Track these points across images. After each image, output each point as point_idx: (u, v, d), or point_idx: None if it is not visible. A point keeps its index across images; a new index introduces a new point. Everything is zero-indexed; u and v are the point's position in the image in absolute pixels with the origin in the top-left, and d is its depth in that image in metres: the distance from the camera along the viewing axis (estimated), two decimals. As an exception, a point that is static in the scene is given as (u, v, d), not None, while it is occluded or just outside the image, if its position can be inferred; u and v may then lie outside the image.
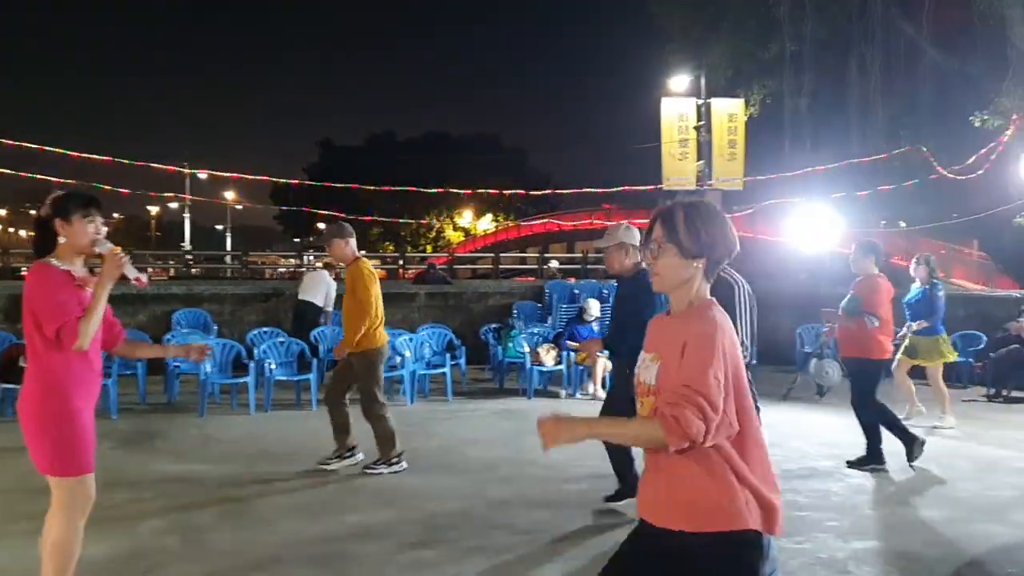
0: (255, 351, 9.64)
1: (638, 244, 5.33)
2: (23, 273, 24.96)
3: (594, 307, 10.92)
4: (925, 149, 16.91)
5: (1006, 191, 15.81)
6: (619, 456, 5.29)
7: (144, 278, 3.77)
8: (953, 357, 8.95)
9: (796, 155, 18.59)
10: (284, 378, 9.61)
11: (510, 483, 6.21)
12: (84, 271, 3.63)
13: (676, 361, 2.17)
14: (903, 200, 19.47)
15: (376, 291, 6.44)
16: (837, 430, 8.40)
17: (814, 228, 13.45)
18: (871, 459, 6.68)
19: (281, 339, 10.05)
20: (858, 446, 6.81)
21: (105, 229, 3.64)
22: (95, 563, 4.48)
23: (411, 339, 10.40)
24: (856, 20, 17.12)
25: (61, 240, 3.50)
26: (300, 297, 11.60)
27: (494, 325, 12.23)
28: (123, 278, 3.58)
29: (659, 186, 19.48)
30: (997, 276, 21.24)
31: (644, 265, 2.33)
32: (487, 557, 4.65)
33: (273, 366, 9.47)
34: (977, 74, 15.62)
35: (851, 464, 6.72)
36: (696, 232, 2.28)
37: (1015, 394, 10.11)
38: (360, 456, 6.59)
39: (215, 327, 11.97)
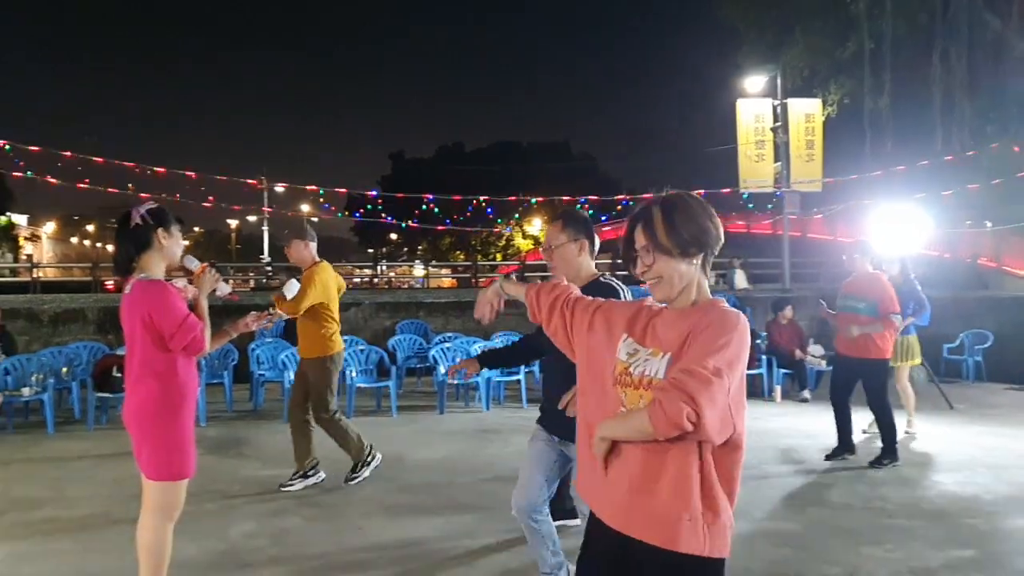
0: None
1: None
2: (108, 285, 25.94)
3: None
4: (1015, 145, 16.31)
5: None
6: None
7: (236, 294, 3.92)
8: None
9: (877, 155, 18.11)
10: (365, 385, 9.78)
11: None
12: (181, 283, 3.79)
13: (687, 352, 2.05)
14: (990, 199, 18.82)
15: (335, 296, 6.35)
16: (926, 436, 8.17)
17: (897, 229, 13.07)
18: (888, 455, 6.88)
19: (361, 347, 10.23)
20: (952, 450, 6.62)
21: (185, 241, 3.78)
22: (189, 564, 4.64)
23: (485, 346, 10.47)
24: (939, 15, 16.60)
25: (155, 250, 3.58)
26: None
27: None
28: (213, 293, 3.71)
29: (736, 188, 19.21)
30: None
31: (639, 274, 2.13)
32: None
33: (354, 373, 9.65)
34: (1068, 67, 15.04)
35: (873, 464, 6.83)
36: (680, 228, 2.13)
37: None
38: (322, 475, 6.39)
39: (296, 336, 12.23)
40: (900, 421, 8.26)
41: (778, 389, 10.68)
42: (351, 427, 6.43)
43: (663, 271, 2.16)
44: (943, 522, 5.33)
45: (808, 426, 8.74)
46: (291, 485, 6.24)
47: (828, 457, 7.04)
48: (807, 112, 18.93)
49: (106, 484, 6.41)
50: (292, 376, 9.23)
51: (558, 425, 3.67)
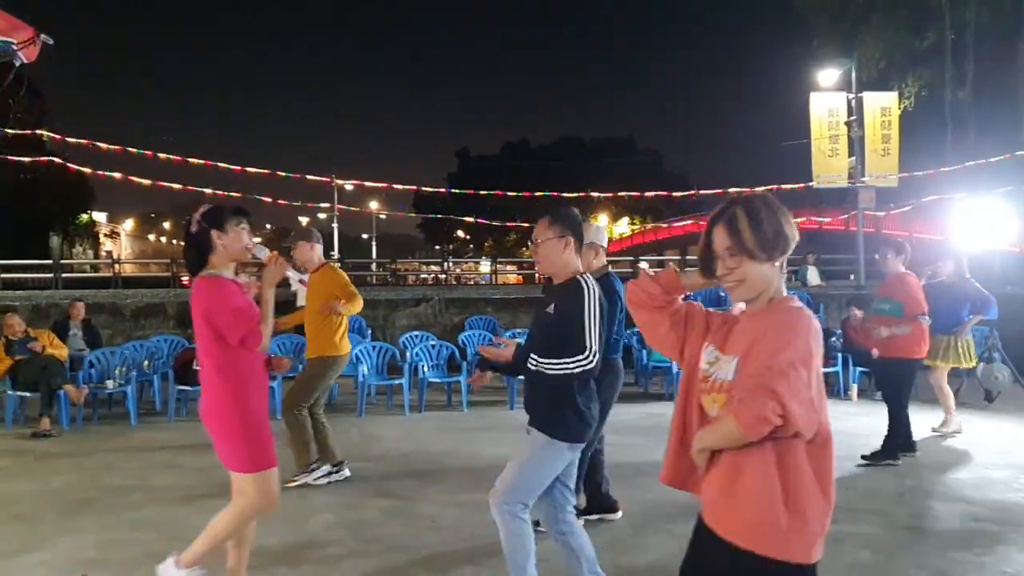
0: (407, 354, 9.96)
1: (606, 246, 5.22)
2: (185, 281, 26.69)
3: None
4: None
5: None
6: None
7: (306, 278, 3.95)
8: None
9: (958, 148, 17.53)
10: (436, 380, 9.87)
11: (651, 490, 6.13)
12: (244, 277, 3.84)
13: (756, 352, 2.04)
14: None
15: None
16: (1012, 437, 7.91)
17: (981, 225, 12.67)
18: (886, 455, 6.82)
19: (432, 342, 10.33)
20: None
21: (257, 238, 3.82)
22: (270, 552, 4.75)
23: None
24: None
25: (217, 250, 3.66)
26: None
27: (637, 329, 12.13)
28: (285, 281, 3.75)
29: (809, 183, 18.83)
30: None
31: (720, 277, 2.18)
32: (643, 557, 4.63)
33: (426, 368, 9.76)
34: None
35: (867, 459, 6.83)
36: (765, 230, 2.12)
37: None
38: (346, 472, 6.40)
39: (368, 331, 12.42)
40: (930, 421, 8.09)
41: (854, 388, 10.44)
42: (311, 438, 6.31)
43: (746, 274, 2.15)
44: (1033, 527, 5.15)
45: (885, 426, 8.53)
46: (295, 480, 6.15)
47: (865, 458, 6.89)
48: (883, 105, 18.44)
49: (188, 473, 6.61)
50: (364, 370, 9.41)
51: (539, 421, 3.65)
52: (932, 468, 6.73)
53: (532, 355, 3.56)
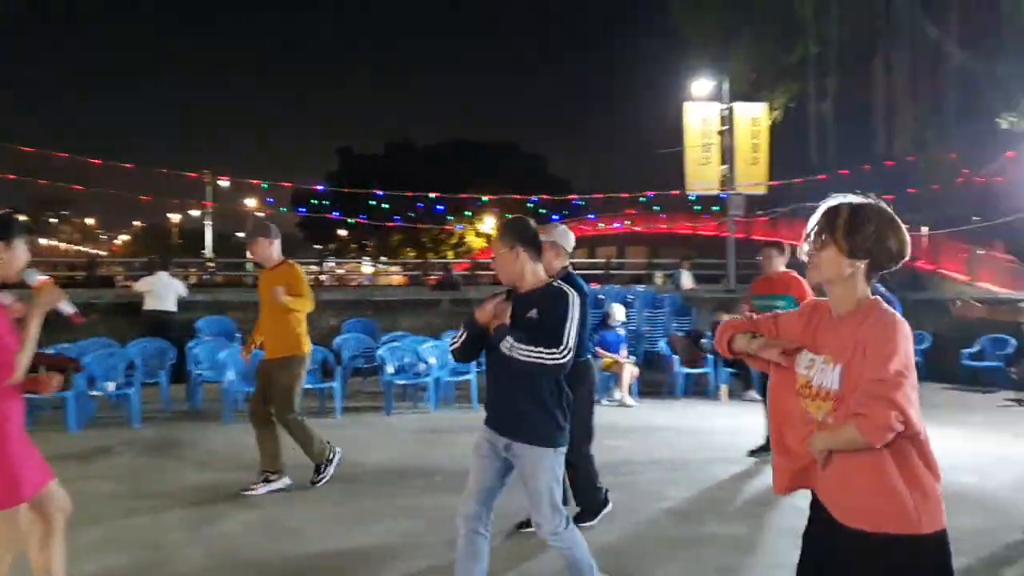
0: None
1: (569, 249, 5.29)
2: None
3: (619, 312, 10.82)
4: (951, 152, 16.70)
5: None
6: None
7: (79, 315, 3.59)
8: None
9: (821, 158, 18.40)
10: (308, 386, 9.53)
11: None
12: (8, 297, 3.47)
13: (861, 361, 2.19)
14: (928, 203, 19.26)
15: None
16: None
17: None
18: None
19: (305, 346, 9.99)
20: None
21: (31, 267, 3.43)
22: (118, 574, 4.45)
23: (435, 345, 10.34)
24: (882, 22, 16.94)
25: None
26: (153, 307, 11.25)
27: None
28: (55, 312, 3.39)
29: (683, 190, 19.35)
30: (1025, 278, 20.98)
31: (807, 254, 2.37)
32: (515, 571, 4.57)
33: (297, 374, 9.43)
34: (1004, 76, 15.37)
35: (752, 453, 7.12)
36: (857, 233, 2.26)
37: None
38: (287, 480, 6.17)
39: (239, 335, 11.97)
40: None
41: (724, 388, 10.74)
42: (314, 429, 6.25)
43: (823, 260, 2.31)
44: None
45: (756, 426, 8.80)
46: (253, 490, 6.02)
47: (752, 453, 7.11)
48: (753, 116, 19.13)
49: None
50: (231, 375, 9.03)
51: (503, 424, 3.65)
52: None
53: (508, 338, 3.49)
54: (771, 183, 19.66)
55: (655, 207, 38.83)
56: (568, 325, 3.50)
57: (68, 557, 4.70)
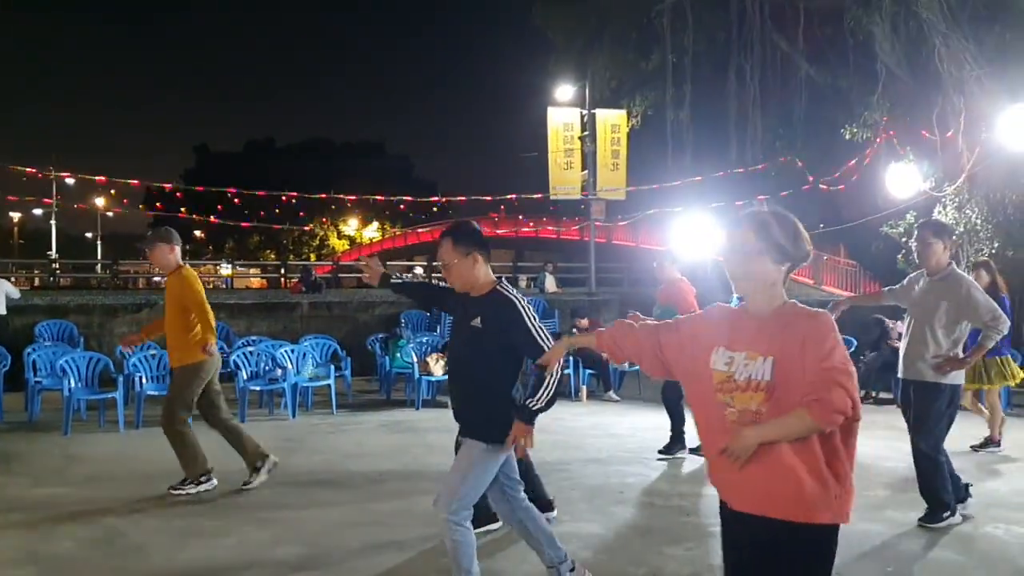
0: (124, 364, 9.11)
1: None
2: None
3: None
4: (799, 160, 17.61)
5: (873, 201, 16.62)
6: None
7: None
8: None
9: (677, 165, 19.04)
10: (156, 393, 9.09)
11: (398, 498, 6.02)
12: None
13: (798, 356, 2.31)
14: (783, 208, 20.22)
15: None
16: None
17: (693, 237, 13.86)
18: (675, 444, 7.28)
19: (153, 352, 9.51)
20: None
21: None
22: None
23: (293, 350, 10.05)
24: (734, 34, 17.69)
25: None
26: None
27: (381, 335, 11.97)
28: None
29: (546, 194, 19.63)
30: (865, 282, 22.35)
31: (730, 269, 2.53)
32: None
33: (145, 380, 8.96)
34: (847, 88, 16.31)
35: (661, 452, 7.24)
36: (786, 239, 2.43)
37: (883, 395, 10.56)
38: (214, 481, 6.15)
39: (81, 339, 11.28)
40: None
41: (584, 389, 10.94)
42: (198, 446, 6.12)
43: (756, 270, 2.43)
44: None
45: (613, 426, 9.00)
46: (251, 482, 6.12)
47: (661, 452, 7.25)
48: (613, 122, 19.62)
49: None
50: (72, 383, 8.50)
51: (464, 424, 3.83)
52: (651, 465, 7.09)
53: (521, 398, 3.63)
54: (630, 188, 20.21)
55: (519, 211, 39.28)
56: (538, 335, 3.62)
57: None
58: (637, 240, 29.24)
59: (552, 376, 3.54)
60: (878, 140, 16.06)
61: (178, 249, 6.18)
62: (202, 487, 6.08)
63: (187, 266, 6.26)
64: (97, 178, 21.37)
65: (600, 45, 19.60)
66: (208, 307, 6.09)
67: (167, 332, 6.18)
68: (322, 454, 7.56)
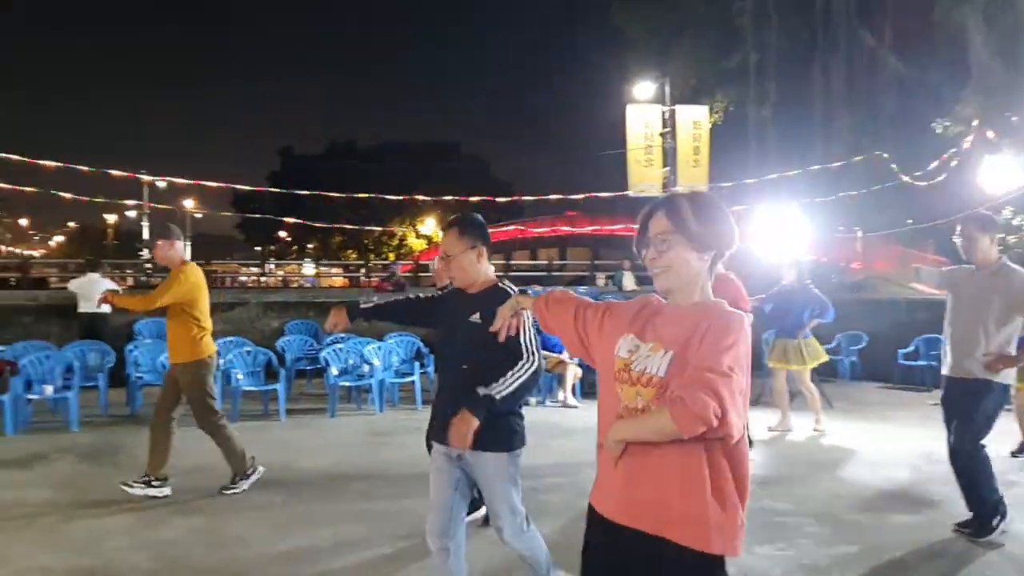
0: (220, 361, 9.44)
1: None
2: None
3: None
4: (886, 156, 17.16)
5: (965, 197, 16.12)
6: None
7: None
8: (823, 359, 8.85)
9: (760, 162, 18.76)
10: (251, 388, 9.43)
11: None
12: None
13: (695, 351, 2.05)
14: (866, 207, 19.72)
15: (204, 298, 6.15)
16: (806, 434, 8.45)
17: (779, 234, 13.58)
18: None
19: (247, 348, 9.86)
20: (833, 447, 6.82)
21: None
22: (59, 583, 4.34)
23: (379, 347, 10.27)
24: (819, 30, 17.35)
25: None
26: (86, 309, 11.09)
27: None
28: None
29: (625, 192, 19.54)
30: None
31: (649, 261, 2.23)
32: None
33: (240, 376, 9.29)
34: (937, 82, 15.88)
35: None
36: (704, 222, 2.17)
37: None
38: (167, 490, 6.04)
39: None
40: (804, 421, 8.59)
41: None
42: (236, 436, 6.23)
43: (674, 260, 2.17)
44: (828, 519, 5.49)
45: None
46: (132, 487, 5.95)
47: None
48: (694, 119, 19.42)
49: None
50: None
51: (485, 439, 3.46)
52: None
53: (479, 387, 3.34)
54: (712, 185, 19.97)
55: (597, 209, 39.11)
56: (523, 335, 3.40)
57: (5, 564, 4.59)
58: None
59: (524, 363, 3.36)
60: (970, 135, 15.55)
61: (179, 244, 6.15)
62: (251, 479, 6.16)
63: (192, 264, 6.23)
64: (189, 181, 22.01)
65: (680, 43, 19.48)
66: (171, 294, 5.91)
67: (167, 328, 6.14)
68: (410, 449, 7.70)
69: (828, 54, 17.25)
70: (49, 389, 8.67)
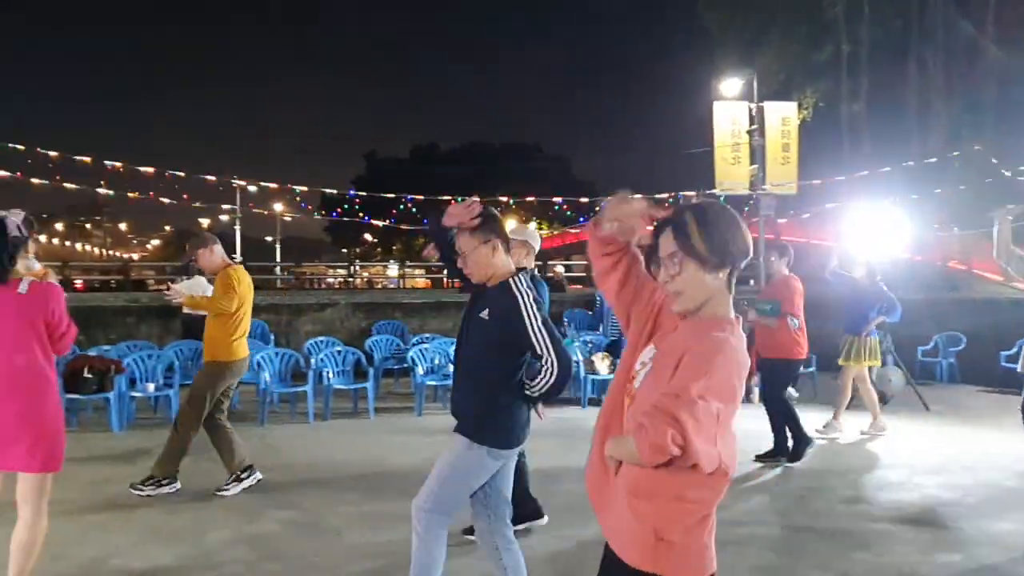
0: (312, 360, 9.71)
1: (537, 247, 5.21)
2: (77, 284, 25.41)
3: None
4: (980, 147, 16.51)
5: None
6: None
7: None
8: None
9: (854, 158, 18.22)
10: (342, 387, 9.65)
11: (571, 496, 6.11)
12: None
13: (668, 372, 1.94)
14: (961, 203, 19.02)
15: (245, 301, 6.12)
16: (905, 438, 8.20)
17: (875, 232, 13.17)
18: (777, 452, 7.08)
19: (338, 348, 10.09)
20: (931, 452, 6.62)
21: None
22: (163, 570, 4.53)
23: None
24: (915, 20, 16.76)
25: (23, 257, 3.73)
26: (188, 310, 10.91)
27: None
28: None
29: (711, 190, 19.24)
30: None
31: (662, 283, 2.10)
32: (553, 566, 4.58)
33: (331, 375, 9.52)
34: (1042, 70, 15.20)
35: (759, 458, 7.05)
36: (713, 240, 2.00)
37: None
38: (258, 474, 6.22)
39: (272, 337, 12.08)
40: (856, 421, 8.34)
41: (756, 393, 10.66)
42: (187, 449, 6.13)
43: (688, 283, 2.03)
44: (929, 526, 5.32)
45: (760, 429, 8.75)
46: (227, 489, 6.07)
47: (759, 458, 7.07)
48: (783, 115, 18.99)
49: (79, 487, 6.22)
50: (267, 377, 9.12)
51: (463, 426, 3.56)
52: (831, 470, 6.89)
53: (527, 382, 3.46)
54: (802, 182, 19.52)
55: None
56: (534, 332, 3.40)
57: (114, 554, 4.81)
58: (809, 236, 28.13)
59: (551, 365, 3.35)
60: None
61: (217, 248, 6.21)
62: (163, 489, 6.00)
63: (234, 265, 6.27)
64: (279, 185, 22.69)
65: (767, 38, 19.09)
66: (227, 302, 5.97)
67: (207, 326, 6.21)
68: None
69: (924, 45, 16.62)
70: (151, 387, 9.05)
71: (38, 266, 3.94)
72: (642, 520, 1.99)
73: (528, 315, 3.42)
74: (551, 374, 3.38)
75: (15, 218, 3.75)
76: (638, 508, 1.99)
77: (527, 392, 3.48)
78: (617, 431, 2.12)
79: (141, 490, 5.94)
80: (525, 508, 5.18)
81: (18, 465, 3.64)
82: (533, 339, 3.40)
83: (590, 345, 10.94)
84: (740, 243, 2.04)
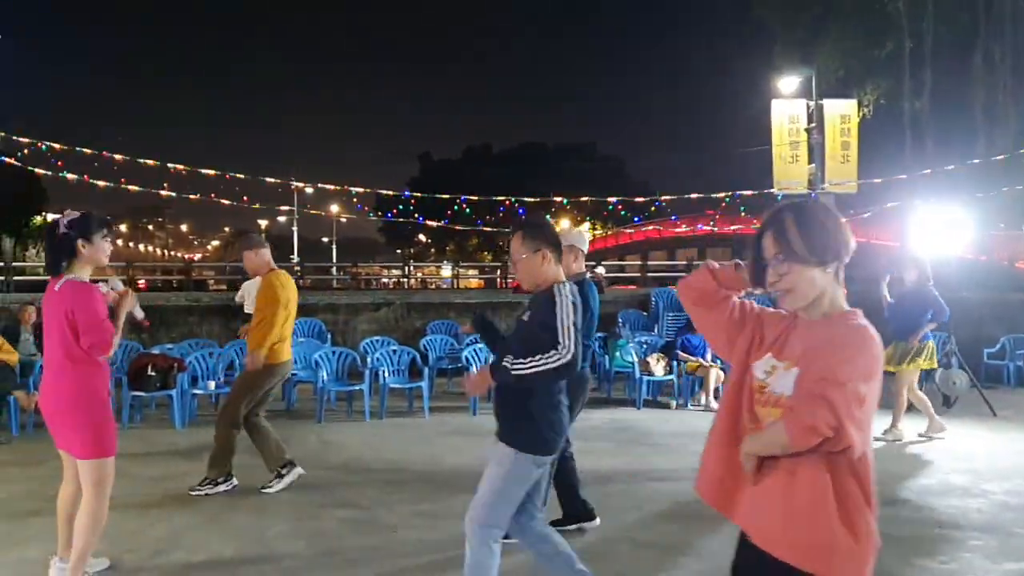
0: (368, 359, 9.82)
1: (586, 250, 5.22)
2: (141, 284, 26.12)
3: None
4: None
5: None
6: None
7: (149, 320, 4.51)
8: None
9: (917, 156, 17.79)
10: (397, 386, 9.74)
11: (624, 496, 6.09)
12: (104, 287, 4.13)
13: (818, 364, 1.99)
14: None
15: (287, 304, 6.10)
16: (971, 442, 8.00)
17: (937, 231, 12.87)
18: None
19: (393, 348, 10.19)
20: (999, 457, 6.44)
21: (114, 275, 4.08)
22: (227, 564, 4.62)
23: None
24: (981, 14, 16.29)
25: (80, 257, 3.95)
26: (249, 310, 11.39)
27: (600, 334, 12.08)
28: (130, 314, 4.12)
29: (769, 190, 19.01)
30: None
31: (770, 285, 2.14)
32: (612, 566, 4.57)
33: (387, 374, 9.62)
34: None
35: None
36: (814, 238, 2.07)
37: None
38: (298, 469, 6.24)
39: (329, 335, 12.25)
40: (914, 425, 8.16)
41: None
42: (234, 449, 6.18)
43: (795, 281, 2.09)
44: (995, 533, 5.17)
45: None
46: (270, 487, 6.12)
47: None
48: (842, 113, 18.67)
49: (142, 482, 6.39)
50: (324, 376, 9.26)
51: (499, 429, 3.58)
52: (893, 474, 6.74)
53: (504, 364, 3.44)
54: (861, 181, 19.14)
55: (740, 207, 38.19)
56: (560, 325, 3.38)
57: (176, 547, 4.94)
58: (870, 236, 27.60)
59: (555, 352, 3.31)
60: None
61: (263, 251, 6.19)
62: (219, 488, 6.05)
63: (278, 270, 6.24)
64: (335, 186, 23.01)
65: (826, 33, 18.76)
66: (277, 317, 5.99)
67: (251, 329, 6.22)
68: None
69: (991, 40, 16.17)
70: (212, 385, 9.25)
71: (120, 286, 4.23)
72: (796, 517, 2.00)
73: (561, 308, 3.42)
74: (559, 360, 3.34)
75: (66, 219, 4.00)
76: (800, 511, 2.00)
77: (517, 365, 3.38)
78: (732, 438, 2.18)
79: (199, 491, 6.05)
80: (576, 508, 5.18)
81: (71, 449, 4.00)
82: (559, 327, 3.38)
83: (645, 345, 10.88)
84: (840, 239, 2.10)
